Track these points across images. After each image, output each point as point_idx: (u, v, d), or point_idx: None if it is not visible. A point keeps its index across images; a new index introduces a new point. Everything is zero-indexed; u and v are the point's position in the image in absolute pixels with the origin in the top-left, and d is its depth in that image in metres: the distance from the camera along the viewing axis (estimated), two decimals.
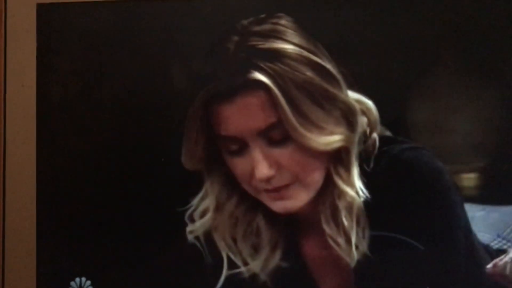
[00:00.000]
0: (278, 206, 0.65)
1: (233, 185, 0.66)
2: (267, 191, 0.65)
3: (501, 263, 0.65)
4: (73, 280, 0.68)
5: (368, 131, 0.66)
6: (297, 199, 0.65)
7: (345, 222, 0.65)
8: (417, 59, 0.66)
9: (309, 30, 0.65)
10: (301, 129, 0.63)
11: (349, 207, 0.65)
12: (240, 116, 0.64)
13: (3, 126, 0.68)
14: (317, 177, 0.65)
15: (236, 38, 0.65)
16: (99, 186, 0.68)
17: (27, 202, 0.68)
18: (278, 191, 0.65)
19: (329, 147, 0.64)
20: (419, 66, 0.67)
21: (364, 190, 0.65)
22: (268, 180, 0.64)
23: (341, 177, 0.65)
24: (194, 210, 0.66)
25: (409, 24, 0.67)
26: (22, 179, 0.68)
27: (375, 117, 0.66)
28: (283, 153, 0.64)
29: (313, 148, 0.64)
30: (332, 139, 0.64)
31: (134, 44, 0.69)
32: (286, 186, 0.65)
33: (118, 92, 0.69)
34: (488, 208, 0.66)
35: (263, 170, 0.64)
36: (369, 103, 0.66)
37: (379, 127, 0.66)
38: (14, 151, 0.68)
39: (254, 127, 0.64)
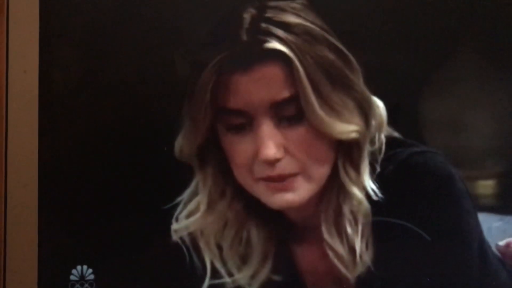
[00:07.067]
0: (277, 200, 0.60)
1: (227, 179, 0.63)
2: (267, 179, 0.60)
3: None
4: (75, 268, 0.68)
5: (377, 132, 0.61)
6: (299, 193, 0.60)
7: (349, 229, 0.60)
8: (431, 51, 0.61)
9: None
10: (319, 110, 0.59)
11: (355, 211, 0.60)
12: (254, 87, 0.59)
13: (5, 112, 0.68)
14: (323, 171, 0.61)
15: (252, 10, 0.61)
16: (101, 173, 0.67)
17: (29, 189, 0.67)
18: (281, 181, 0.60)
19: (343, 136, 0.60)
20: (432, 60, 0.62)
21: (377, 191, 0.60)
22: (273, 163, 0.60)
23: (349, 176, 0.61)
24: (183, 209, 0.64)
25: (422, 13, 0.61)
26: (24, 166, 0.67)
27: (382, 117, 0.61)
28: (292, 136, 0.60)
29: (326, 134, 0.60)
30: (348, 128, 0.60)
31: (137, 30, 0.67)
32: (290, 176, 0.60)
33: (121, 78, 0.67)
34: (507, 218, 0.61)
35: (270, 149, 0.59)
36: (377, 101, 0.61)
37: (385, 128, 0.61)
38: (16, 137, 0.68)
39: (267, 99, 0.59)
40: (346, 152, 0.61)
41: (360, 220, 0.60)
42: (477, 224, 0.60)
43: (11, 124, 0.68)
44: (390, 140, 0.61)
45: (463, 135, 0.61)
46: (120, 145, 0.67)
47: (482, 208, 0.61)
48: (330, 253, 0.61)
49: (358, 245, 0.60)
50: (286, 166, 0.60)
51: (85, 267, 0.67)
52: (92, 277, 0.67)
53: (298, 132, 0.60)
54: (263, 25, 0.60)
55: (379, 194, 0.61)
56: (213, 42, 0.63)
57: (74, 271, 0.68)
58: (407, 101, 0.62)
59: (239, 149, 0.61)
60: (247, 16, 0.61)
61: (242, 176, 0.62)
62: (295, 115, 0.60)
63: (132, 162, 0.67)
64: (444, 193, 0.60)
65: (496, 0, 0.61)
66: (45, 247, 0.68)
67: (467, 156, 0.61)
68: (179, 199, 0.64)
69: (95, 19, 0.67)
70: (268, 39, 0.59)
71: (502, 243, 0.61)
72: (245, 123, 0.60)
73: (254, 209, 0.62)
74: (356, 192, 0.61)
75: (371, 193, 0.61)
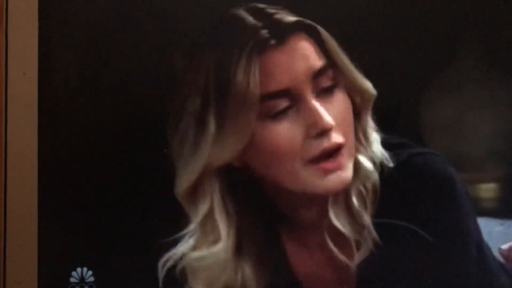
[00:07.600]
0: (331, 181, 0.59)
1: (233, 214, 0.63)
2: (323, 154, 0.59)
3: None
4: (75, 270, 0.68)
5: None
6: (348, 168, 0.60)
7: (355, 202, 0.60)
8: (431, 53, 0.61)
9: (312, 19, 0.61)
10: (355, 71, 0.61)
11: (365, 182, 0.60)
12: (293, 62, 0.60)
13: (4, 114, 0.68)
14: (353, 142, 0.61)
15: (243, 8, 0.62)
16: (102, 174, 0.67)
17: (29, 191, 0.67)
18: (335, 156, 0.59)
19: (373, 98, 0.61)
20: (432, 62, 0.61)
21: (389, 158, 0.60)
22: (330, 131, 0.59)
23: (360, 143, 0.61)
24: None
25: (423, 13, 0.61)
26: (23, 169, 0.67)
27: None
28: (331, 106, 0.60)
29: (360, 96, 0.61)
30: (373, 89, 0.62)
31: (137, 30, 0.66)
32: (340, 149, 0.59)
33: (121, 78, 0.67)
34: (508, 223, 0.60)
35: (326, 116, 0.59)
36: None
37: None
38: (15, 139, 0.68)
39: (308, 69, 0.60)
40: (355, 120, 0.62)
41: (370, 189, 0.60)
42: (476, 226, 0.60)
43: (10, 126, 0.68)
44: (388, 141, 0.61)
45: (463, 137, 0.61)
46: (120, 146, 0.67)
47: (483, 212, 0.60)
48: (331, 243, 0.60)
49: (367, 217, 0.60)
50: (337, 134, 0.60)
51: (85, 269, 0.67)
52: (92, 279, 0.67)
53: (335, 102, 0.60)
54: (269, 10, 0.61)
55: (392, 162, 0.60)
56: (227, 42, 0.62)
57: (74, 273, 0.67)
58: (407, 102, 0.62)
59: (286, 133, 0.60)
60: (243, 12, 0.61)
61: (287, 165, 0.60)
62: (330, 85, 0.60)
63: (133, 163, 0.67)
64: (444, 195, 0.59)
65: (497, 0, 0.60)
66: (45, 249, 0.68)
67: (468, 159, 0.61)
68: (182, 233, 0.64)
69: (95, 20, 0.67)
70: (284, 16, 0.60)
71: (505, 246, 0.61)
72: (288, 106, 0.60)
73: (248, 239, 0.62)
74: (363, 159, 0.60)
75: (383, 158, 0.60)
